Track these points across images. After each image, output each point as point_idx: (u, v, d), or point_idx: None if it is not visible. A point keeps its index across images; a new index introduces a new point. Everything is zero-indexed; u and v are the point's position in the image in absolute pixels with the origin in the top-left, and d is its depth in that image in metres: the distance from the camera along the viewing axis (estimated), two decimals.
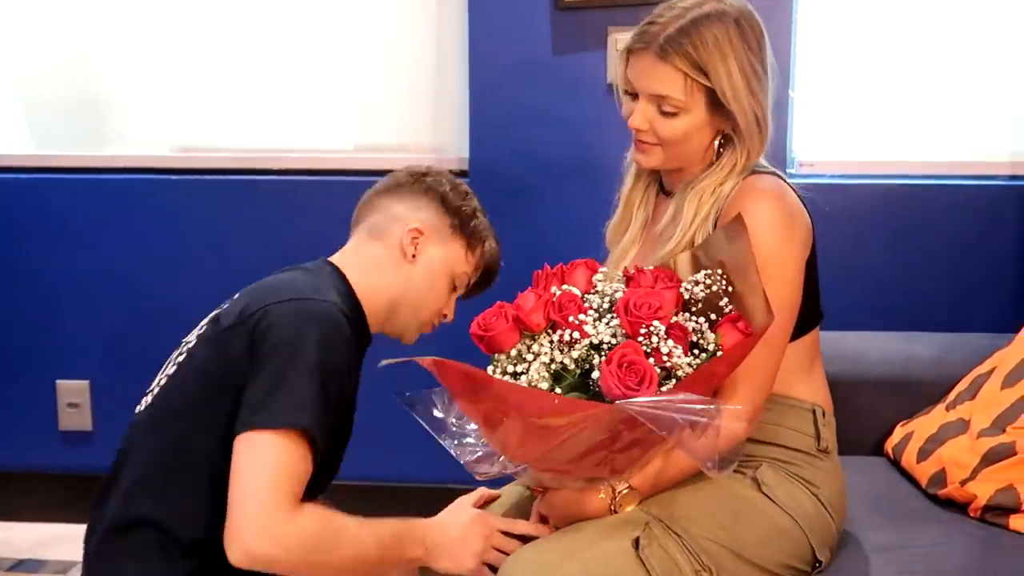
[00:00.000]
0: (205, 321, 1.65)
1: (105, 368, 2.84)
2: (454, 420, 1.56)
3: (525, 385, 1.41)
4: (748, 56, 1.59)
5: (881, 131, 2.65)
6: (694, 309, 1.47)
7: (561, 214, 2.69)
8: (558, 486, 1.57)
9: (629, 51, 1.63)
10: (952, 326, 2.40)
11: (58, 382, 2.86)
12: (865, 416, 2.11)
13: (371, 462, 2.83)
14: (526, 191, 2.70)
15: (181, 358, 1.61)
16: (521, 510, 1.72)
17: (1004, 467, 1.81)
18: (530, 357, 1.43)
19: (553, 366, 1.42)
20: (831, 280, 2.53)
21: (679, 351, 1.39)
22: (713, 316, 1.46)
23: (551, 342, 1.43)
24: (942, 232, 2.59)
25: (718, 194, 1.63)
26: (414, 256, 1.69)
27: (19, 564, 2.63)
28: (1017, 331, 2.08)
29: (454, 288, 1.75)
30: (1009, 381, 1.92)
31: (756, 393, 1.56)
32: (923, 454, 1.96)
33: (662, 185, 1.77)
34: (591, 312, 1.45)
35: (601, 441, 1.41)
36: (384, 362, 1.44)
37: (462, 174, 2.74)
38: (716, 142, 1.64)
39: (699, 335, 1.44)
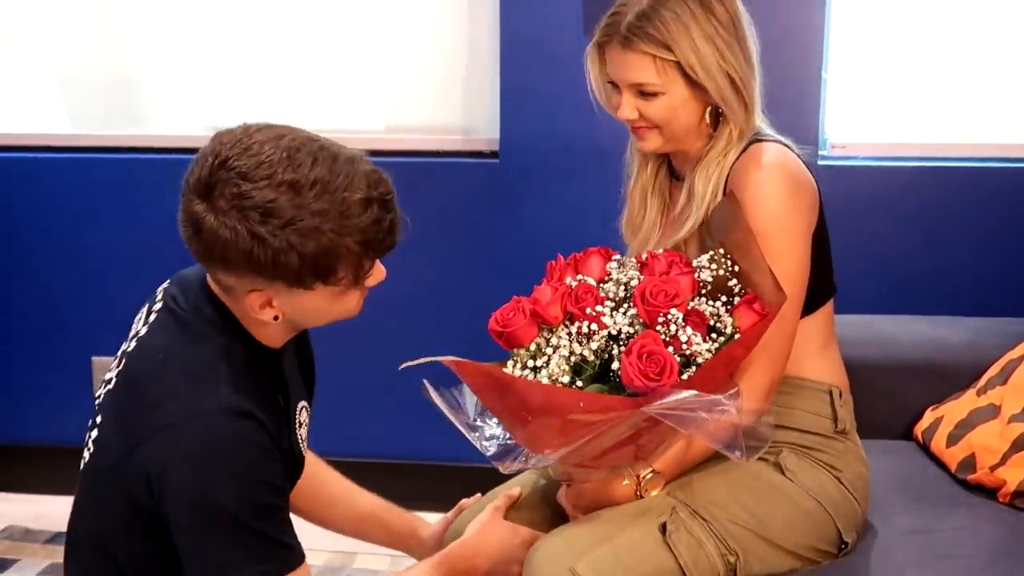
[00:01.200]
0: (103, 395, 1.42)
1: None
2: (476, 416, 1.56)
3: (546, 379, 1.41)
4: (713, 25, 1.58)
5: (914, 113, 2.62)
6: (704, 292, 1.47)
7: (590, 196, 2.68)
8: (584, 478, 1.58)
9: (600, 45, 1.66)
10: (984, 310, 2.38)
11: (94, 359, 2.90)
12: (895, 400, 2.10)
13: (379, 439, 2.87)
14: (556, 172, 2.70)
15: (92, 441, 1.40)
16: (539, 497, 1.73)
17: None
18: (549, 351, 1.43)
19: (572, 359, 1.42)
20: (862, 263, 2.53)
21: (698, 338, 1.40)
22: (726, 299, 1.46)
23: (569, 334, 1.44)
24: (975, 214, 2.56)
25: (722, 165, 1.63)
26: (280, 315, 1.33)
27: (56, 536, 2.69)
28: None
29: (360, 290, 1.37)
30: None
31: (772, 368, 1.56)
32: (953, 439, 1.95)
33: (672, 172, 1.77)
34: (608, 302, 1.45)
35: (627, 436, 1.42)
36: (404, 364, 1.41)
37: (492, 155, 2.75)
38: (707, 115, 1.63)
39: (716, 319, 1.44)
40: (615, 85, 1.65)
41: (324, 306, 1.33)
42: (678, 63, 1.58)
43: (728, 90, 1.60)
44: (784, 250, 1.54)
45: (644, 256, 1.53)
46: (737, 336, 1.44)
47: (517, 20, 2.64)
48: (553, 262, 1.57)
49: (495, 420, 1.54)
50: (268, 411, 1.33)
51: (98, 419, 1.40)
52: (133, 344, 1.41)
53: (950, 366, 2.12)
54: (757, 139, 1.63)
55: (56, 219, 2.88)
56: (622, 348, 1.39)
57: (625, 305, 1.44)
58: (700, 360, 1.39)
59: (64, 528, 1.47)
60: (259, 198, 1.23)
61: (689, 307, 1.42)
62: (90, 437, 1.41)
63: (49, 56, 2.91)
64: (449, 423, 1.52)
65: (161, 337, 1.37)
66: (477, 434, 1.51)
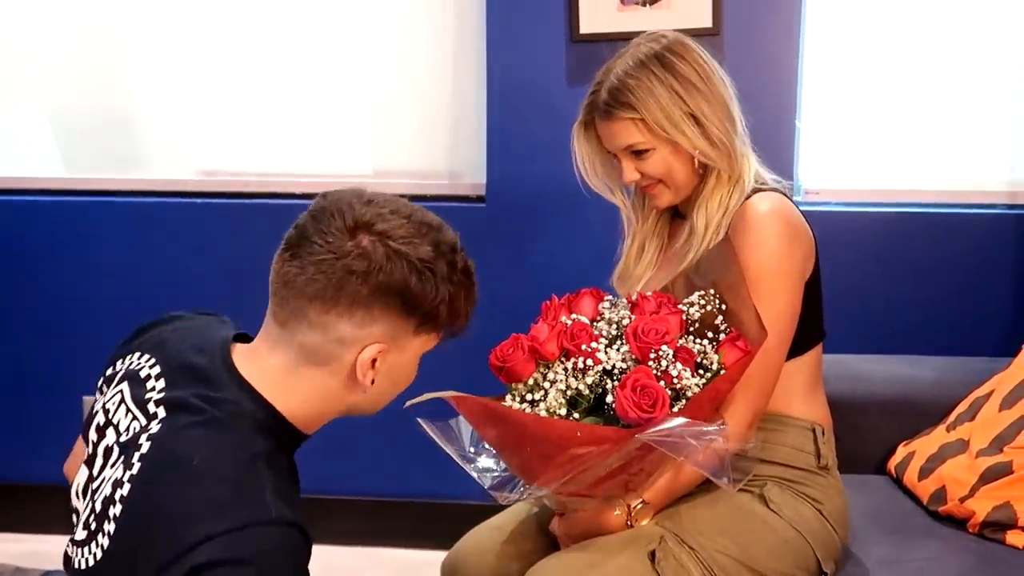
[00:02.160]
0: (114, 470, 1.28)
1: None
2: (472, 448, 1.63)
3: (544, 411, 1.49)
4: (679, 82, 1.71)
5: (885, 160, 2.74)
6: (692, 330, 1.56)
7: (576, 240, 2.78)
8: (578, 507, 1.65)
9: (583, 126, 1.81)
10: (952, 350, 2.49)
11: (85, 398, 2.95)
12: (869, 435, 2.19)
13: (376, 478, 2.93)
14: (542, 217, 2.79)
15: (109, 530, 1.24)
16: (533, 526, 1.80)
17: (1001, 485, 1.89)
18: (547, 385, 1.51)
19: (569, 392, 1.50)
20: (836, 305, 2.61)
21: (687, 372, 1.48)
22: (711, 335, 1.55)
23: (565, 369, 1.51)
24: (943, 258, 2.67)
25: (725, 206, 1.73)
26: (372, 382, 1.30)
27: (48, 575, 2.72)
28: (1015, 354, 2.17)
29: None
30: (1007, 403, 2.00)
31: (756, 401, 1.66)
32: (924, 472, 2.04)
33: (675, 211, 1.86)
34: (602, 339, 1.54)
35: (619, 466, 1.49)
36: (409, 403, 1.44)
37: (479, 199, 2.84)
38: (696, 163, 1.74)
39: (703, 356, 1.53)
40: (615, 156, 1.79)
41: (410, 366, 1.34)
42: (644, 121, 1.71)
43: (700, 139, 1.72)
44: (775, 292, 1.65)
45: (635, 297, 1.61)
46: (722, 372, 1.53)
47: (503, 65, 2.73)
48: (548, 302, 1.65)
49: (491, 451, 1.61)
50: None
51: (108, 526, 1.24)
52: (145, 443, 1.25)
53: (920, 403, 2.21)
54: (759, 188, 1.74)
55: (50, 261, 2.94)
56: (615, 383, 1.47)
57: (618, 342, 1.52)
58: (689, 394, 1.48)
59: (53, 567, 1.41)
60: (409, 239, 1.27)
61: (678, 344, 1.50)
62: (95, 542, 1.26)
63: (44, 99, 2.98)
64: (444, 456, 1.59)
65: (188, 442, 1.23)
66: (473, 465, 1.58)
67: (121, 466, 1.26)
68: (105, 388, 1.39)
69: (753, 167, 1.79)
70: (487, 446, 1.60)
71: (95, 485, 1.30)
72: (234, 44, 2.88)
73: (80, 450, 1.46)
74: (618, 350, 1.50)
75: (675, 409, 1.45)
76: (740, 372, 1.55)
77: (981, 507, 1.89)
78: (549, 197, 2.77)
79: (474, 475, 1.58)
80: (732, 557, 1.65)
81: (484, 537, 1.82)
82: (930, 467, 2.03)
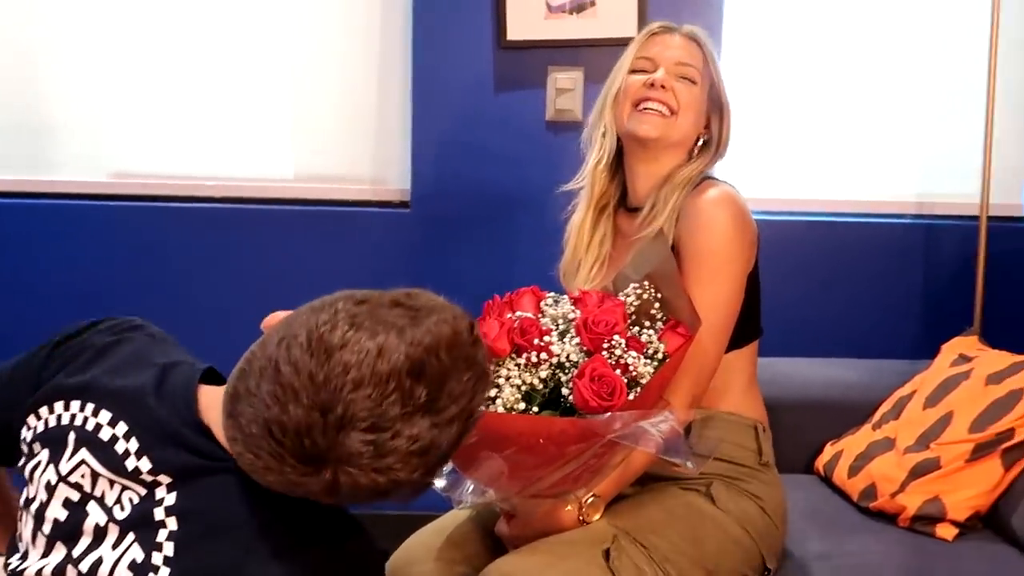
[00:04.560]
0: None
1: None
2: None
3: (501, 408, 1.48)
4: (714, 60, 1.87)
5: (801, 173, 2.83)
6: (632, 320, 1.58)
7: (501, 246, 2.78)
8: (531, 509, 1.63)
9: (655, 34, 1.86)
10: (867, 353, 2.56)
11: None
12: (795, 435, 2.23)
13: None
14: (466, 223, 2.78)
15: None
16: (477, 530, 1.77)
17: (930, 480, 1.95)
18: (501, 381, 1.50)
19: (523, 388, 1.49)
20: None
21: (641, 360, 1.49)
22: (648, 324, 1.57)
23: (517, 365, 1.51)
24: (856, 266, 2.77)
25: (683, 187, 1.78)
26: None
27: None
28: (933, 356, 2.25)
29: None
30: (930, 402, 2.08)
31: (695, 386, 1.68)
32: (853, 471, 2.09)
33: (623, 205, 1.88)
34: (553, 333, 1.54)
35: (575, 458, 1.49)
36: None
37: (403, 204, 2.82)
38: (703, 133, 1.83)
39: (650, 344, 1.55)
40: (637, 71, 1.83)
41: None
42: (707, 65, 1.83)
43: (727, 126, 1.84)
44: (719, 275, 1.69)
45: (576, 293, 1.62)
46: (667, 359, 1.55)
47: (429, 69, 2.72)
48: (490, 301, 1.64)
49: None
50: None
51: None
52: (167, 518, 1.18)
53: (845, 403, 2.28)
54: (708, 177, 1.79)
55: None
56: (568, 375, 1.47)
57: (568, 335, 1.52)
58: (643, 381, 1.49)
59: None
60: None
61: (628, 335, 1.51)
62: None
63: None
64: None
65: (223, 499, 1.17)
66: None
67: (137, 546, 1.17)
68: (39, 447, 1.24)
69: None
70: None
71: (83, 567, 1.18)
72: (148, 42, 2.80)
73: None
74: (570, 343, 1.51)
75: (630, 398, 1.47)
76: (681, 357, 1.57)
77: (912, 502, 1.95)
78: (475, 203, 2.77)
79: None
80: (684, 555, 1.65)
81: (427, 541, 1.79)
82: (859, 465, 2.09)
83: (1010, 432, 1.93)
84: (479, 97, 2.74)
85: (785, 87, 2.80)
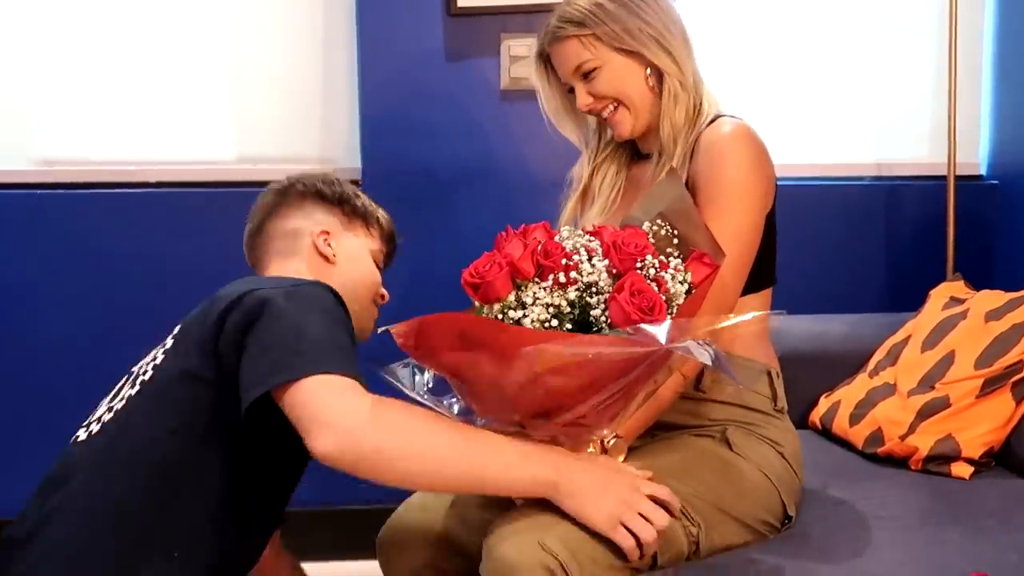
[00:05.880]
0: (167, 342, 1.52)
1: None
2: (425, 392, 1.49)
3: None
4: (626, 2, 1.69)
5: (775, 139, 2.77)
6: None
7: (458, 220, 2.66)
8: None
9: (540, 57, 1.77)
10: (853, 309, 2.51)
11: None
12: (788, 391, 2.15)
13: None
14: (422, 199, 2.65)
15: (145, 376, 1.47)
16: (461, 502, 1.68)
17: (941, 419, 1.89)
18: (529, 301, 1.38)
19: (551, 309, 1.38)
20: None
21: (677, 278, 1.39)
22: (673, 253, 1.47)
23: (544, 288, 1.39)
24: (821, 228, 2.72)
25: (692, 122, 1.69)
26: (334, 255, 1.68)
27: None
28: (915, 308, 2.20)
29: (377, 267, 1.75)
30: (928, 345, 2.02)
31: (721, 312, 1.58)
32: (855, 419, 2.02)
33: (636, 153, 1.79)
34: (578, 256, 1.43)
35: (604, 386, 1.38)
36: (383, 328, 1.39)
37: (355, 183, 2.67)
38: (649, 78, 1.70)
39: (679, 271, 1.45)
40: (572, 91, 1.73)
41: (364, 258, 1.72)
42: (595, 35, 1.67)
43: (652, 44, 1.68)
44: (738, 207, 1.60)
45: (591, 228, 1.51)
46: (693, 291, 1.44)
47: (376, 45, 2.60)
48: (502, 233, 1.52)
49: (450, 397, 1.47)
50: None
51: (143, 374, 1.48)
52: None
53: (836, 355, 2.22)
54: (721, 115, 1.69)
55: None
56: (600, 296, 1.36)
57: (595, 258, 1.41)
58: (677, 302, 1.38)
59: None
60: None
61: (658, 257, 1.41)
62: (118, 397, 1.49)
63: None
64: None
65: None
66: (443, 401, 1.44)
67: (148, 358, 1.52)
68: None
69: (711, 94, 1.74)
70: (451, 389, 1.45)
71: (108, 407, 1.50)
72: (74, 18, 2.62)
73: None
74: (599, 263, 1.39)
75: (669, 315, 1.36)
76: (707, 288, 1.47)
77: (923, 442, 1.88)
78: (430, 179, 2.65)
79: (443, 411, 1.43)
80: (706, 501, 1.55)
81: (426, 499, 1.72)
82: (860, 413, 2.02)
83: (1019, 365, 1.87)
84: (429, 68, 2.63)
85: (745, 54, 2.75)
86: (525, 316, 1.35)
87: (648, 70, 1.69)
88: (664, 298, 1.36)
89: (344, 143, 2.70)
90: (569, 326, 1.36)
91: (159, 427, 1.40)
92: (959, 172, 2.66)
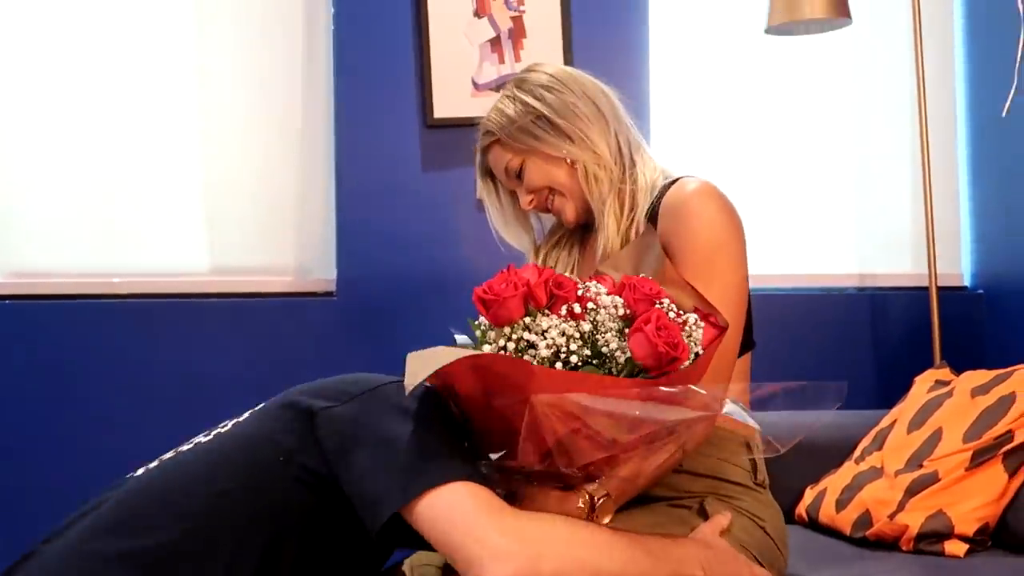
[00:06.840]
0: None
1: None
2: None
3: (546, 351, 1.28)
4: (527, 96, 1.68)
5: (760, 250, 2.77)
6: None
7: (433, 332, 2.59)
8: (540, 496, 1.41)
9: (483, 171, 1.78)
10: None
11: None
12: (773, 485, 2.05)
13: None
14: (396, 311, 2.62)
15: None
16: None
17: (930, 494, 1.78)
18: (544, 325, 1.30)
19: (562, 337, 1.31)
20: None
21: (692, 319, 1.33)
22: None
23: (559, 315, 1.32)
24: (809, 334, 2.68)
25: (632, 199, 1.64)
26: None
27: None
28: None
29: None
30: (914, 426, 1.93)
31: (718, 381, 1.50)
32: (841, 504, 1.91)
33: (587, 226, 1.76)
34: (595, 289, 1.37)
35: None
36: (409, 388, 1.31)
37: (327, 295, 2.64)
38: (568, 162, 1.67)
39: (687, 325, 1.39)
40: (515, 196, 1.74)
41: None
42: (505, 140, 1.69)
43: (556, 138, 1.66)
44: (725, 266, 1.52)
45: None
46: (701, 354, 1.38)
47: (353, 156, 2.62)
48: (504, 270, 1.47)
49: None
50: None
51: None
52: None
53: (820, 447, 2.11)
54: (678, 178, 1.64)
55: None
56: (614, 334, 1.29)
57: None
58: (697, 348, 1.31)
59: None
60: None
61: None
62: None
63: None
64: None
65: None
66: None
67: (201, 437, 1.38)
68: None
69: (655, 163, 1.70)
70: None
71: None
72: (48, 129, 2.62)
73: None
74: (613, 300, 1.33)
75: (683, 367, 1.29)
76: (715, 350, 1.40)
77: (914, 520, 1.77)
78: (405, 287, 2.62)
79: None
80: None
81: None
82: (847, 498, 1.91)
83: (1009, 435, 1.78)
84: (406, 178, 2.64)
85: (724, 162, 2.76)
86: (542, 339, 1.28)
87: (564, 152, 1.67)
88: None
89: (320, 254, 2.68)
90: (587, 353, 1.29)
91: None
92: (942, 283, 2.64)
